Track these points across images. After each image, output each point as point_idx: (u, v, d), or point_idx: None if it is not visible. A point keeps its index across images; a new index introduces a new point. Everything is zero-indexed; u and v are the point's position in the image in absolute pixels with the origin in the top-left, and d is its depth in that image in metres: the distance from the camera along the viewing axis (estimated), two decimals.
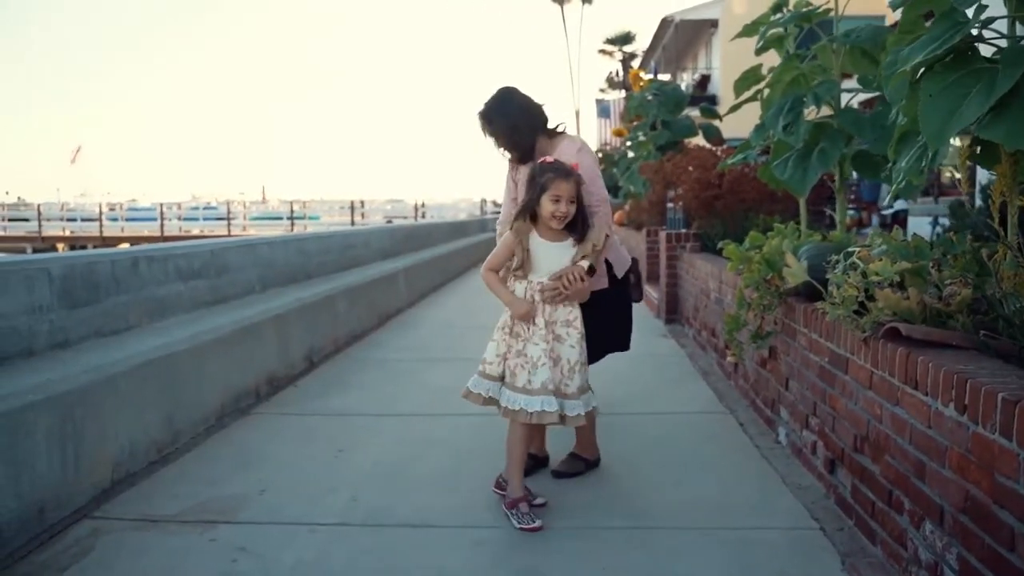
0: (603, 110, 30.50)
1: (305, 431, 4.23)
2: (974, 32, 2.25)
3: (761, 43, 4.66)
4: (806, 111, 4.17)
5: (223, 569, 2.63)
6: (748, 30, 4.87)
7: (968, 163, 2.41)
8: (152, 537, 2.87)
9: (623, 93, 30.98)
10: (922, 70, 2.46)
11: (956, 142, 2.45)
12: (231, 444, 3.99)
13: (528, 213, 3.05)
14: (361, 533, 2.91)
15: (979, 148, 2.36)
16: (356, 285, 7.17)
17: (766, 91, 4.66)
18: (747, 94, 4.99)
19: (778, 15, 4.72)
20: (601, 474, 3.51)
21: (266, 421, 4.42)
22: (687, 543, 2.80)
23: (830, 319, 2.97)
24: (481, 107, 3.37)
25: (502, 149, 3.42)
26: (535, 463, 3.50)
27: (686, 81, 27.47)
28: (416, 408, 4.69)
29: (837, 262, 3.10)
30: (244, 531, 2.91)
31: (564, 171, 3.02)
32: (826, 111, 4.34)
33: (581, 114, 42.75)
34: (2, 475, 2.67)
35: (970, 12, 2.29)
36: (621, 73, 35.06)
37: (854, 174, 4.46)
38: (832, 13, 4.38)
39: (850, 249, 3.10)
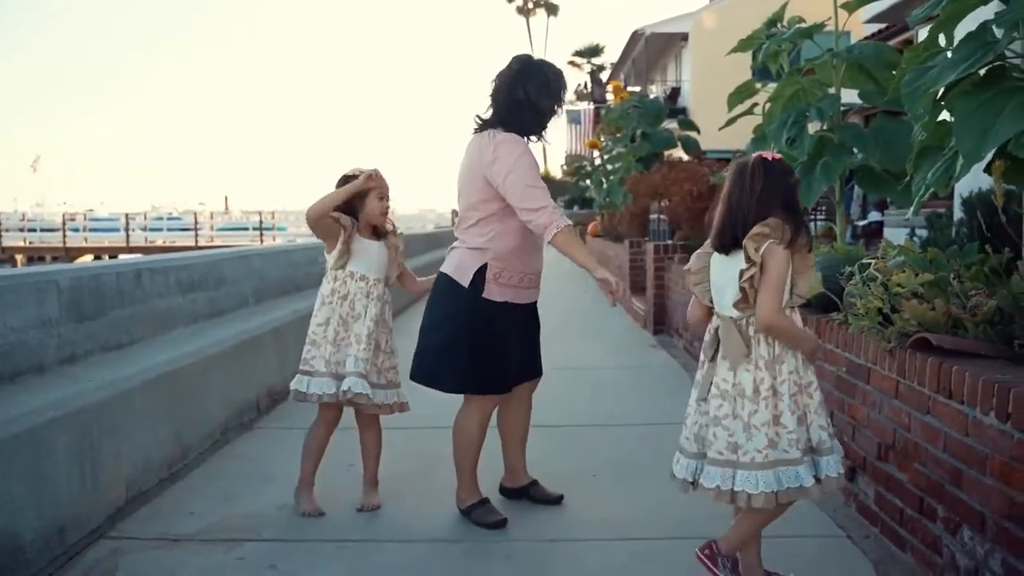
0: (573, 118, 30.37)
1: None
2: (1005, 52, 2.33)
3: (760, 59, 4.75)
4: (809, 125, 4.25)
5: None
6: (744, 45, 4.96)
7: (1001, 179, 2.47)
8: (176, 556, 2.82)
9: (591, 105, 31.07)
10: (943, 89, 2.54)
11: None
12: (237, 459, 3.94)
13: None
14: (390, 549, 2.89)
15: (1007, 163, 2.43)
16: None
17: (766, 106, 4.73)
18: (741, 108, 5.07)
19: (773, 30, 4.82)
20: (616, 486, 3.52)
21: (269, 435, 4.36)
22: None
23: (853, 330, 3.02)
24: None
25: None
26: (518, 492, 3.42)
27: (655, 93, 27.77)
28: (419, 421, 4.63)
29: (852, 274, 3.16)
30: (271, 548, 2.88)
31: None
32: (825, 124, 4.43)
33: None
34: (25, 494, 2.60)
35: (999, 32, 2.36)
36: (590, 85, 35.29)
37: (823, 186, 4.52)
38: (826, 29, 4.50)
39: (865, 261, 3.16)
